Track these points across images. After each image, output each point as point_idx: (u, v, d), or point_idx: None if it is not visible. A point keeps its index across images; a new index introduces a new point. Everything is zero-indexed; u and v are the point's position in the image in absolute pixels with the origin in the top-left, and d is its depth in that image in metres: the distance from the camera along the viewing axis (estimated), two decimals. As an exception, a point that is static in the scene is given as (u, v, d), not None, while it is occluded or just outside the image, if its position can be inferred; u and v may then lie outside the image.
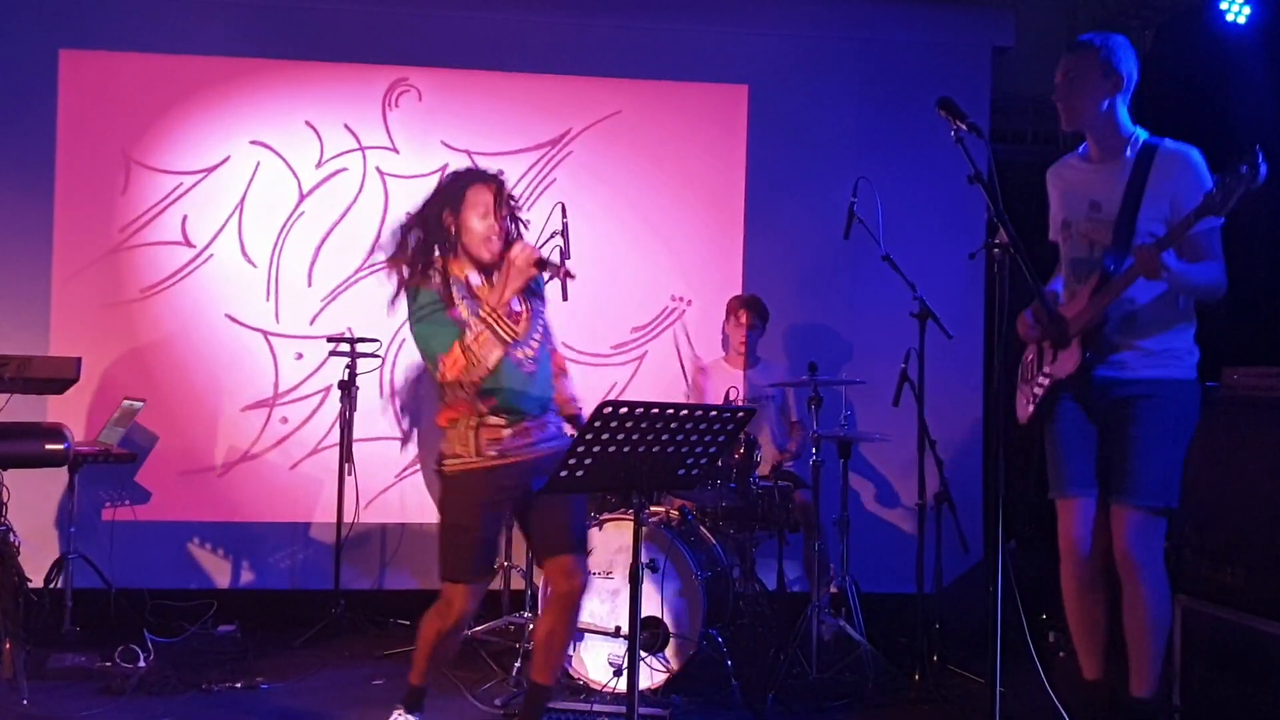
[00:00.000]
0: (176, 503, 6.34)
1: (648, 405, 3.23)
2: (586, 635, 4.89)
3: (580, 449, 3.24)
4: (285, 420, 6.43)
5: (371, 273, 6.32)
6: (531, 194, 6.61)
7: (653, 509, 5.22)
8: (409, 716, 4.11)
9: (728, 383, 5.94)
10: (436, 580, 4.12)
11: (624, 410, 3.20)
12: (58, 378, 5.27)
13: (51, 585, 5.71)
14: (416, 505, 6.42)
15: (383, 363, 6.37)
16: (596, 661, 4.89)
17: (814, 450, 5.37)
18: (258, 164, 6.46)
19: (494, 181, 3.97)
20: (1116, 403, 3.80)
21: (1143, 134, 3.87)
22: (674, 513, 5.20)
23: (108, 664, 5.01)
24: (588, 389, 6.39)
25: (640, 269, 6.68)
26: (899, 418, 5.41)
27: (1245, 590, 4.19)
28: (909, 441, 5.21)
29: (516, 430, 3.93)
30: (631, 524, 3.45)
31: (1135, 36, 6.84)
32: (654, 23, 6.70)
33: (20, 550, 5.05)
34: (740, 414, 3.43)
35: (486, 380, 3.84)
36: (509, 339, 3.83)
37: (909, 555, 5.21)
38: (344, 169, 6.51)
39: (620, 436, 3.23)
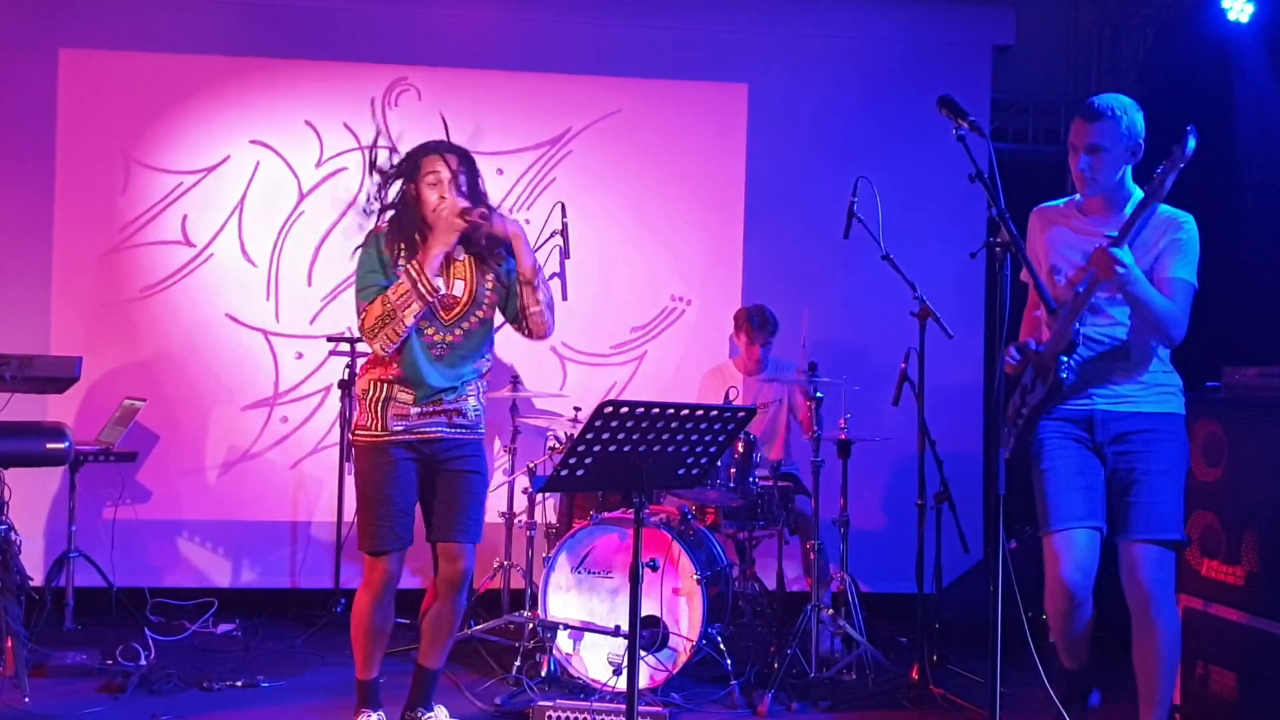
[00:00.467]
0: (177, 502, 6.35)
1: (648, 405, 3.23)
2: (586, 634, 4.90)
3: (580, 448, 3.24)
4: (286, 419, 6.43)
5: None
6: (531, 193, 6.62)
7: (652, 508, 5.22)
8: (374, 713, 4.13)
9: (746, 389, 5.95)
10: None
11: (624, 410, 3.20)
12: (58, 377, 5.27)
13: (53, 584, 5.72)
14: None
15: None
16: (596, 660, 4.90)
17: (814, 450, 5.37)
18: (257, 163, 6.46)
19: (448, 150, 4.01)
20: (1121, 437, 3.77)
21: (1139, 193, 3.81)
22: (673, 512, 5.20)
23: (109, 662, 5.02)
24: (587, 389, 6.44)
25: (640, 268, 6.67)
26: (899, 417, 5.41)
27: (1246, 590, 4.19)
28: (909, 441, 5.21)
29: (427, 409, 3.98)
30: (631, 523, 3.45)
31: (1137, 35, 6.85)
32: (653, 21, 6.70)
33: (22, 549, 5.05)
34: (741, 414, 3.43)
35: (400, 350, 3.90)
36: (427, 295, 3.86)
37: (909, 555, 5.20)
38: (344, 168, 6.52)
39: (620, 436, 3.23)
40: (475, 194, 4.01)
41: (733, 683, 4.84)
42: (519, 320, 4.16)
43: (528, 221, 6.46)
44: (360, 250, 4.01)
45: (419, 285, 3.86)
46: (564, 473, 3.30)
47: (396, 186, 4.05)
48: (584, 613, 4.94)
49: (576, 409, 5.75)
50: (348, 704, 4.28)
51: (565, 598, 4.98)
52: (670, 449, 3.34)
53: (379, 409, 3.98)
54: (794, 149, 6.71)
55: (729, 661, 4.89)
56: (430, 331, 3.97)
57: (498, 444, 6.33)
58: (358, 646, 4.12)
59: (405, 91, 6.55)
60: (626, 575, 3.49)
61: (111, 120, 6.35)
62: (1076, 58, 7.11)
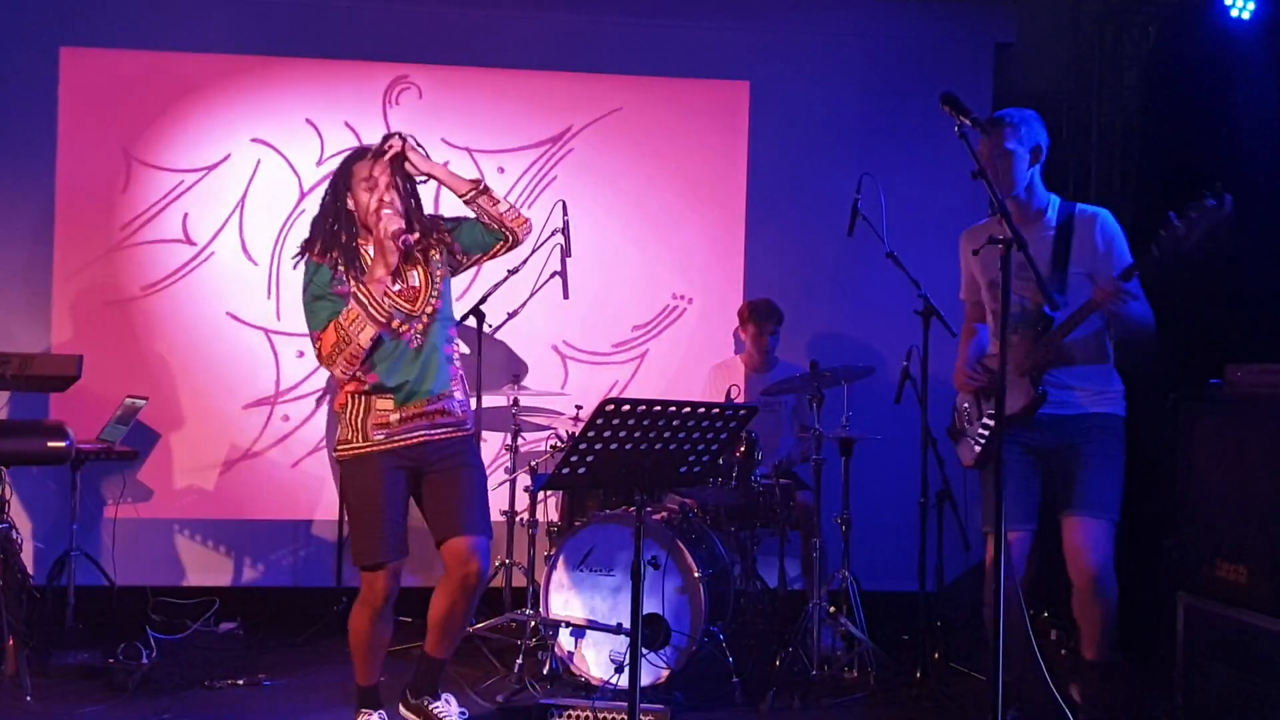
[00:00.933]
0: (178, 500, 6.34)
1: (649, 403, 3.23)
2: (588, 632, 4.90)
3: (582, 446, 3.24)
4: (287, 418, 6.43)
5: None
6: (532, 191, 6.61)
7: (654, 506, 5.22)
8: (375, 713, 4.12)
9: (750, 387, 5.94)
10: (436, 577, 4.13)
11: (626, 408, 3.20)
12: (59, 375, 5.27)
13: (54, 583, 5.71)
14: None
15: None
16: (598, 658, 4.90)
17: (816, 449, 5.37)
18: (258, 162, 6.45)
19: (377, 154, 3.97)
20: (1067, 435, 4.06)
21: (1056, 199, 4.14)
22: (675, 510, 5.20)
23: (111, 661, 5.01)
24: (588, 387, 6.43)
25: (641, 267, 6.67)
26: (901, 415, 5.41)
27: (1247, 588, 4.18)
28: (911, 439, 5.21)
29: (408, 413, 3.94)
30: (633, 521, 3.44)
31: (1139, 32, 6.83)
32: (655, 19, 6.69)
33: (23, 548, 5.06)
34: (742, 412, 3.43)
35: (371, 355, 3.87)
36: (381, 319, 3.84)
37: (911, 553, 5.20)
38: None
39: (622, 434, 3.23)
40: (409, 201, 3.96)
41: (734, 681, 4.84)
42: (492, 240, 4.05)
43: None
44: (300, 271, 3.97)
45: (370, 309, 3.84)
46: (566, 471, 3.30)
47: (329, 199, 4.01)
48: (586, 611, 4.94)
49: (578, 407, 5.76)
50: (350, 702, 4.28)
51: (567, 596, 4.98)
52: (672, 447, 3.34)
53: (359, 421, 3.94)
54: (796, 146, 6.70)
55: (731, 659, 4.89)
56: (404, 328, 3.93)
57: (499, 443, 6.33)
58: (357, 658, 4.12)
59: (406, 90, 6.54)
60: (628, 573, 3.49)
61: (112, 118, 6.35)
62: (1078, 55, 7.10)
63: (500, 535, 5.78)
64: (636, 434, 3.25)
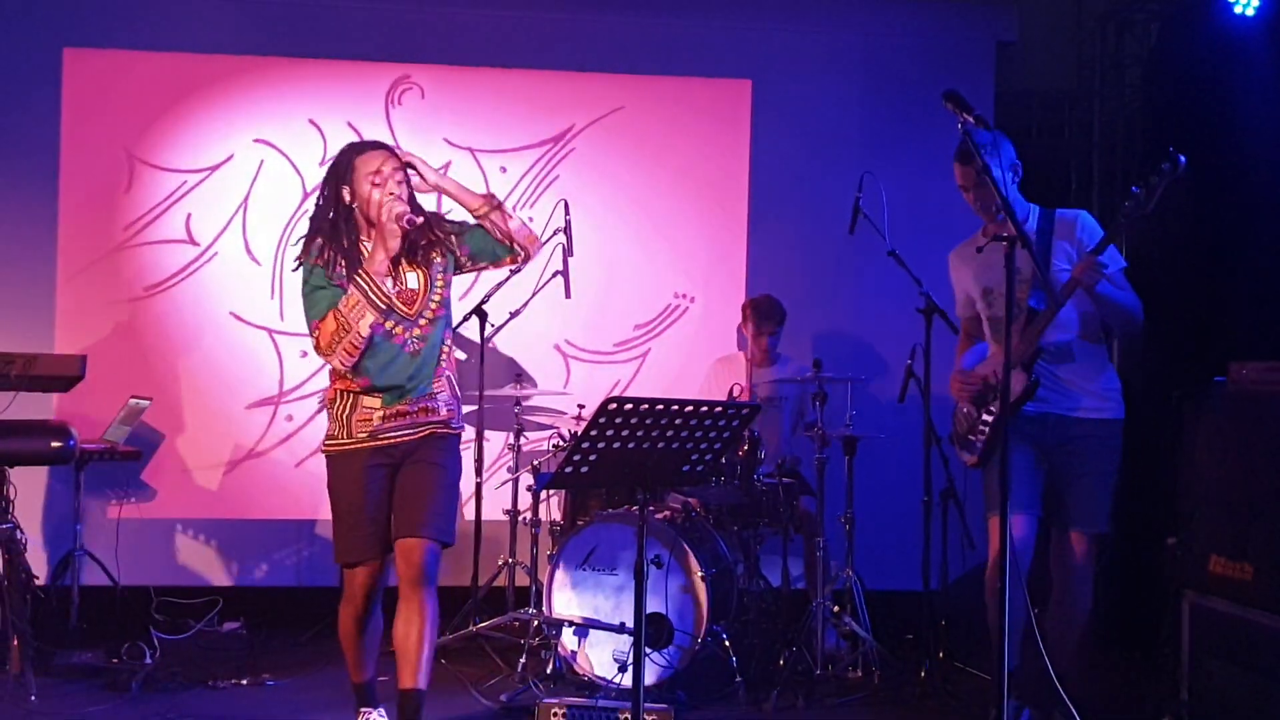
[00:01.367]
0: (182, 500, 6.35)
1: (652, 402, 3.23)
2: (591, 631, 4.90)
3: (585, 445, 3.24)
4: (290, 418, 6.43)
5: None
6: (534, 191, 6.61)
7: (657, 505, 5.22)
8: (374, 711, 4.10)
9: (753, 380, 5.94)
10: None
11: (628, 407, 3.20)
12: (63, 376, 5.28)
13: (58, 583, 5.72)
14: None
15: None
16: (601, 657, 4.89)
17: (819, 448, 5.37)
18: (261, 162, 6.45)
19: (381, 148, 3.92)
20: (1068, 437, 4.16)
21: (1035, 208, 4.20)
22: (678, 509, 5.20)
23: (114, 661, 5.02)
24: (591, 386, 6.43)
25: (643, 265, 6.67)
26: (905, 414, 5.40)
27: (1252, 585, 4.18)
28: (915, 438, 5.20)
29: (391, 412, 3.86)
30: (636, 520, 3.44)
31: (1141, 29, 6.83)
32: (657, 18, 6.69)
33: (27, 548, 5.07)
34: (745, 410, 3.42)
35: (365, 357, 3.79)
36: (382, 304, 3.77)
37: (915, 552, 5.20)
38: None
39: (625, 433, 3.23)
40: (413, 199, 3.91)
41: (738, 680, 4.84)
42: (503, 252, 4.01)
43: (530, 219, 6.50)
44: (300, 271, 3.89)
45: (370, 294, 3.76)
46: (568, 470, 3.30)
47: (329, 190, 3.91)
48: (589, 610, 4.94)
49: (580, 406, 5.76)
50: (353, 702, 4.28)
51: (570, 595, 4.98)
52: (674, 446, 3.34)
53: (344, 417, 3.89)
54: (798, 145, 6.69)
55: (734, 659, 4.88)
56: (400, 331, 3.85)
57: (502, 442, 6.33)
58: (347, 656, 4.09)
59: (408, 90, 6.54)
60: (631, 572, 3.49)
61: (115, 119, 6.35)
62: (1080, 53, 7.09)
63: (503, 534, 5.80)
64: (639, 433, 3.25)
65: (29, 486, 5.21)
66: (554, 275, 5.53)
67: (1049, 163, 6.94)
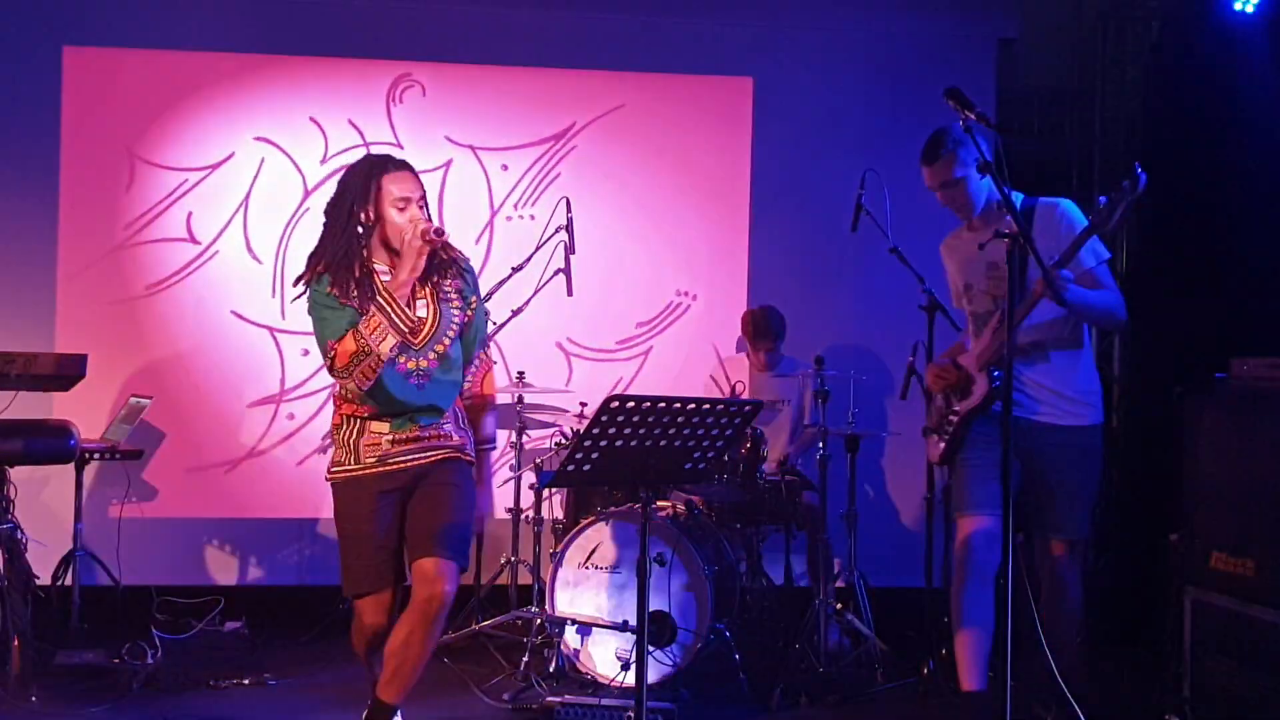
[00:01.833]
0: (183, 500, 6.34)
1: (654, 399, 3.22)
2: (594, 629, 4.89)
3: (587, 443, 3.24)
4: (292, 416, 6.42)
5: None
6: (535, 189, 6.60)
7: (659, 503, 5.22)
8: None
9: (755, 384, 5.94)
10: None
11: (630, 405, 3.19)
12: (63, 375, 5.27)
13: (59, 583, 5.71)
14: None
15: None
16: (604, 656, 4.89)
17: (821, 445, 5.37)
18: (262, 160, 6.45)
19: (406, 169, 3.72)
20: (1046, 448, 4.07)
21: (1018, 195, 4.03)
22: (680, 507, 5.19)
23: (115, 661, 5.01)
24: (593, 384, 6.42)
25: (645, 264, 6.66)
26: (907, 411, 5.40)
27: (1254, 581, 4.18)
28: (917, 435, 5.19)
29: (401, 436, 3.71)
30: (639, 518, 3.44)
31: (1141, 27, 6.82)
32: (658, 16, 6.68)
33: (27, 547, 5.06)
34: (747, 407, 3.42)
35: (373, 387, 3.63)
36: (405, 326, 3.63)
37: (917, 549, 5.20)
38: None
39: (627, 431, 3.23)
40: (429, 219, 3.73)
41: (741, 678, 4.84)
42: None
43: (533, 218, 6.50)
44: (309, 294, 3.70)
45: (394, 317, 3.61)
46: (571, 468, 3.30)
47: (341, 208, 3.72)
48: (591, 608, 4.94)
49: (582, 404, 5.75)
50: (355, 701, 4.26)
51: (573, 593, 4.98)
52: (677, 444, 3.34)
53: (352, 443, 3.73)
54: (799, 143, 6.69)
55: (737, 657, 4.88)
56: (403, 360, 3.67)
57: (504, 440, 6.32)
58: (361, 659, 3.96)
59: (410, 88, 6.54)
60: (634, 570, 3.48)
61: (115, 117, 6.34)
62: (1081, 50, 7.08)
63: (506, 533, 5.79)
64: (641, 431, 3.25)
65: (30, 486, 5.20)
66: (556, 273, 5.52)
67: (1050, 160, 6.93)
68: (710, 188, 6.71)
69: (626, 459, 3.30)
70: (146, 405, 5.84)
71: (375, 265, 3.70)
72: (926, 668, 4.97)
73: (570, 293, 5.51)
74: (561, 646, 4.97)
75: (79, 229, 6.31)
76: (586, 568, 4.97)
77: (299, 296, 3.78)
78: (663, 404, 3.23)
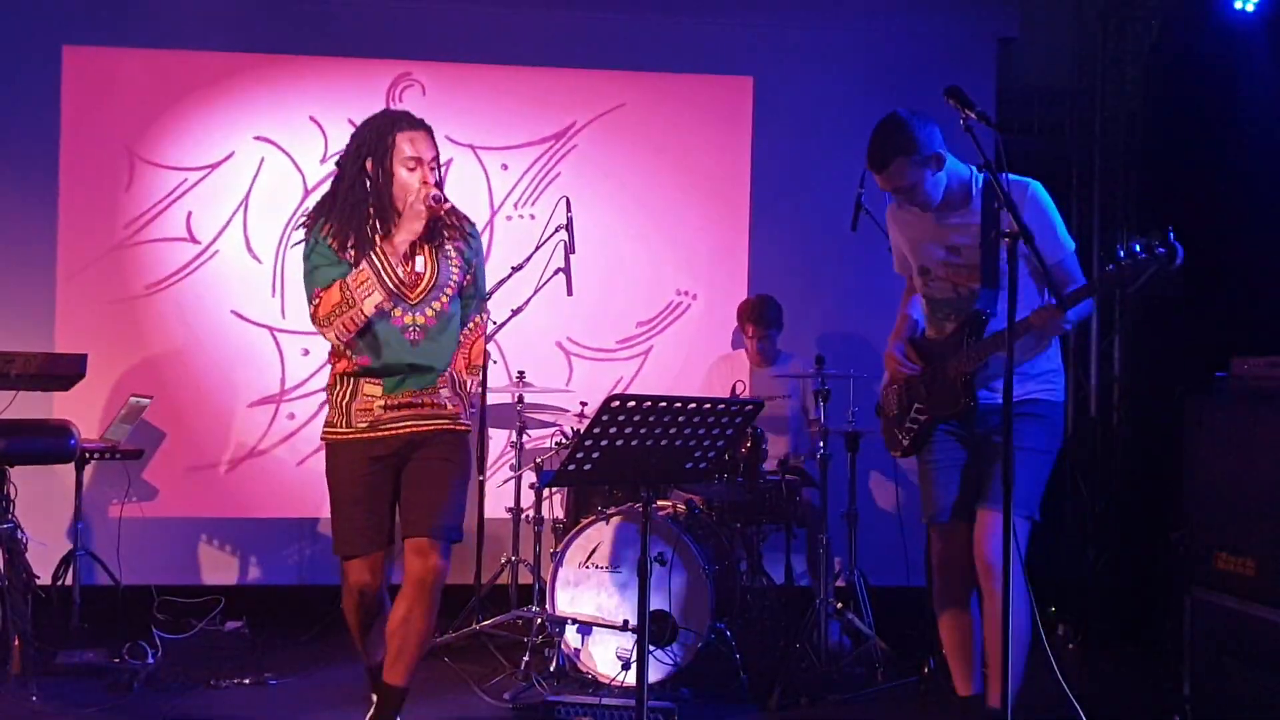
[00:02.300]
0: (184, 499, 6.34)
1: (655, 399, 3.22)
2: (595, 629, 4.89)
3: (588, 443, 3.24)
4: (292, 416, 6.42)
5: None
6: (536, 188, 6.60)
7: (660, 503, 5.21)
8: None
9: (755, 382, 5.93)
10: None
11: (631, 404, 3.19)
12: (63, 374, 5.26)
13: (59, 582, 5.71)
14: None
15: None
16: (605, 655, 4.89)
17: (821, 444, 5.37)
18: (262, 160, 6.45)
19: (423, 128, 3.71)
20: (996, 425, 3.76)
21: (978, 173, 3.82)
22: (681, 506, 5.19)
23: (116, 661, 5.01)
24: (593, 384, 6.42)
25: (645, 263, 6.66)
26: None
27: (1255, 580, 4.18)
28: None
29: (394, 401, 3.73)
30: (639, 518, 3.44)
31: (1141, 25, 6.82)
32: (658, 15, 6.68)
33: (28, 547, 5.06)
34: (748, 407, 3.42)
35: (365, 338, 3.67)
36: (392, 287, 3.64)
37: (918, 548, 5.19)
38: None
39: (628, 430, 3.22)
40: (440, 183, 3.77)
41: (741, 677, 4.83)
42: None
43: (533, 217, 6.50)
44: (304, 241, 3.73)
45: (384, 274, 3.61)
46: (571, 467, 3.30)
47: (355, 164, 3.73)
48: (592, 608, 4.94)
49: (583, 404, 5.75)
50: (356, 700, 4.27)
51: (573, 593, 4.98)
52: (678, 443, 3.33)
53: (344, 405, 3.75)
54: (799, 142, 6.69)
55: (738, 656, 4.88)
56: (398, 313, 3.69)
57: (504, 439, 6.33)
58: (355, 638, 4.02)
59: (410, 87, 6.53)
60: (635, 570, 3.48)
61: (115, 117, 6.34)
62: (1081, 49, 7.08)
63: (506, 532, 5.79)
64: (642, 430, 3.24)
65: (30, 486, 5.20)
66: (556, 272, 5.52)
67: (1050, 159, 6.93)
68: (710, 187, 6.71)
69: (627, 458, 3.30)
70: (146, 405, 5.84)
71: (378, 222, 3.70)
72: (927, 667, 4.97)
73: (570, 292, 5.51)
74: (562, 646, 4.96)
75: (79, 228, 6.31)
76: (587, 567, 4.97)
77: (299, 243, 3.80)
78: (663, 403, 3.23)
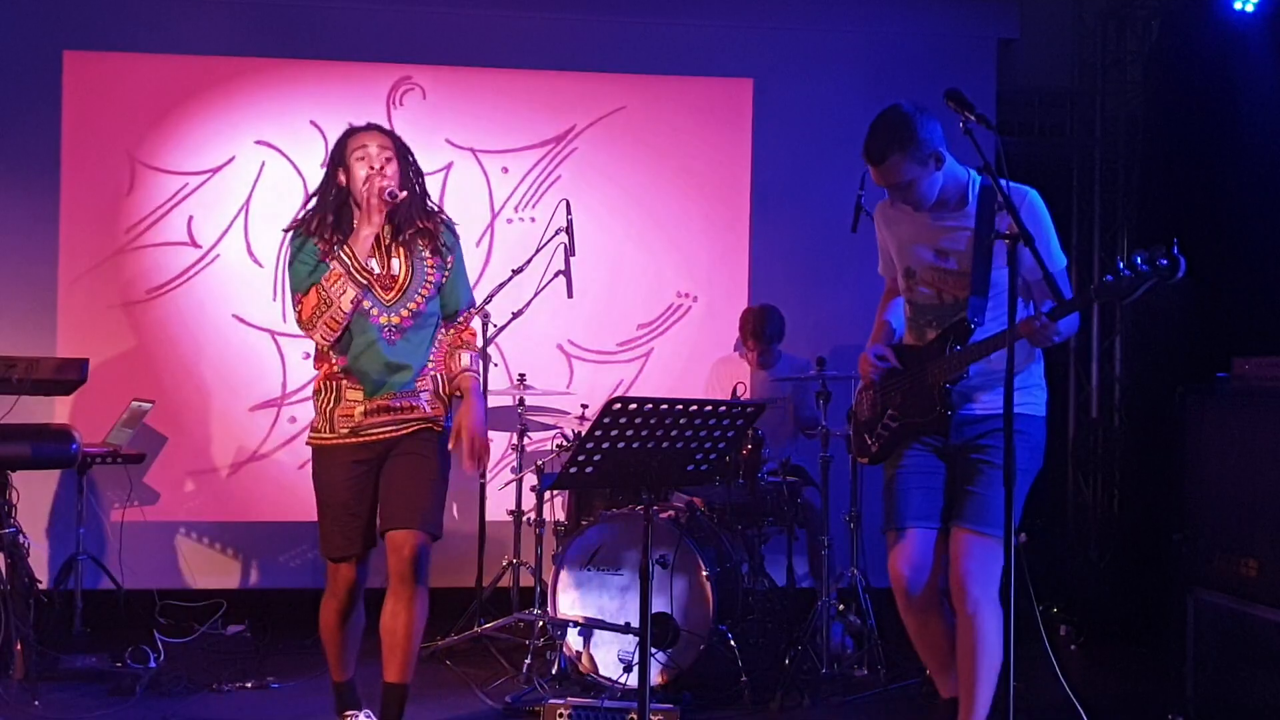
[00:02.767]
0: (185, 503, 6.35)
1: (656, 401, 3.22)
2: (597, 631, 4.89)
3: (589, 445, 3.24)
4: (294, 420, 6.42)
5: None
6: (536, 191, 6.61)
7: (661, 505, 5.21)
8: (360, 713, 4.07)
9: (755, 384, 5.93)
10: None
11: (632, 406, 3.19)
12: (65, 379, 5.27)
13: (61, 587, 5.72)
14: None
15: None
16: (607, 657, 4.89)
17: (823, 446, 5.36)
18: (263, 164, 6.45)
19: (374, 129, 3.90)
20: (973, 437, 3.72)
21: (978, 176, 3.75)
22: (682, 508, 5.19)
23: (118, 665, 5.02)
24: (594, 386, 6.43)
25: (645, 265, 6.66)
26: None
27: (1257, 581, 4.17)
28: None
29: (373, 406, 3.84)
30: (641, 520, 3.44)
31: (1141, 26, 6.83)
32: (658, 18, 6.69)
33: (30, 552, 5.06)
34: (749, 409, 3.42)
35: (343, 339, 3.81)
36: (362, 280, 3.79)
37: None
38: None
39: (629, 433, 3.23)
40: (405, 179, 3.88)
41: (743, 679, 4.83)
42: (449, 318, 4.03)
43: (533, 220, 6.50)
44: (289, 248, 3.92)
45: (352, 269, 3.78)
46: (573, 470, 3.30)
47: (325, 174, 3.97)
48: (594, 610, 4.93)
49: (584, 406, 5.75)
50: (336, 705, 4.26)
51: (575, 595, 4.98)
52: (679, 445, 3.34)
53: (328, 411, 3.88)
54: (800, 143, 6.69)
55: (740, 658, 4.88)
56: (375, 313, 3.82)
57: (505, 442, 6.32)
58: (329, 652, 4.06)
59: (410, 91, 6.54)
60: (636, 572, 3.48)
61: (116, 122, 6.35)
62: (1081, 50, 7.09)
63: (507, 535, 5.79)
64: (643, 433, 3.24)
65: (32, 491, 5.21)
66: (556, 275, 5.51)
67: (1050, 160, 6.94)
68: (710, 189, 6.71)
69: (628, 461, 3.30)
70: (148, 409, 5.85)
71: (346, 221, 3.88)
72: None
73: (571, 295, 5.50)
74: (564, 649, 4.96)
75: (80, 233, 6.31)
76: (588, 570, 4.97)
77: (287, 242, 3.96)
78: (665, 406, 3.23)
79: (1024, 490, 3.68)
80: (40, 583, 5.29)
